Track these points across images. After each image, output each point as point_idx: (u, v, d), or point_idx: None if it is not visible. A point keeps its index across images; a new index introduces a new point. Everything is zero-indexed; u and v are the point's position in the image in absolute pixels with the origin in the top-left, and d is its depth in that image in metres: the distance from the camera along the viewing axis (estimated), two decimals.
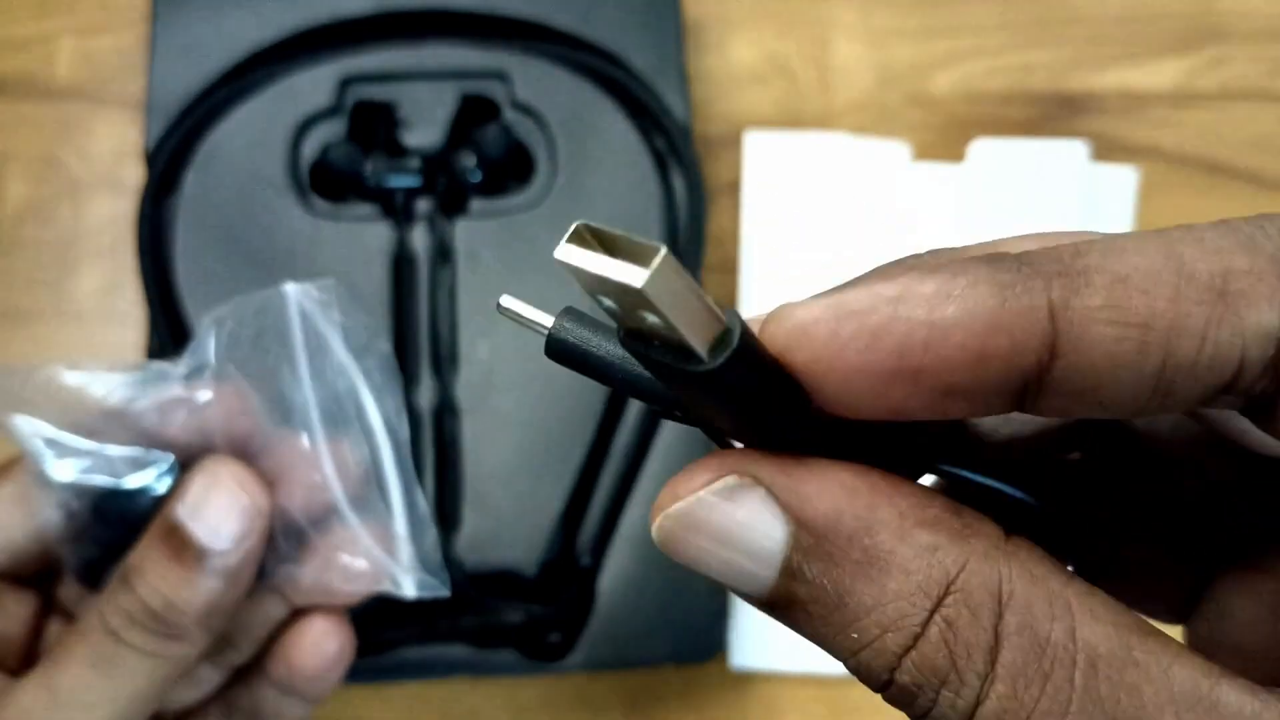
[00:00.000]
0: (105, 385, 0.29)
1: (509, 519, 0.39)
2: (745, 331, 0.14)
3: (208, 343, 0.30)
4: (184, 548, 0.28)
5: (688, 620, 0.38)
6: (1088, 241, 0.14)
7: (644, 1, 0.43)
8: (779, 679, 0.42)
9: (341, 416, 0.30)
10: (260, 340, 0.30)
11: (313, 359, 0.30)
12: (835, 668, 0.46)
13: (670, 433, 0.40)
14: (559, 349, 0.17)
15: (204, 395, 0.30)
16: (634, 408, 0.40)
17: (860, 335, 0.14)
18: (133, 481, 0.29)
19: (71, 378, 0.30)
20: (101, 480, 0.29)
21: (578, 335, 0.17)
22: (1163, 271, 0.13)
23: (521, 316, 0.18)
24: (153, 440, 0.29)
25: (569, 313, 0.17)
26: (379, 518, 0.30)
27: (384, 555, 0.30)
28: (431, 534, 0.31)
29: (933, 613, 0.14)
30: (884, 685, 0.15)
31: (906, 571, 0.14)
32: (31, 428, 0.29)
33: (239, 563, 0.28)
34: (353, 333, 0.30)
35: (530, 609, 0.39)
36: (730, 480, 0.15)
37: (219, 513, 0.28)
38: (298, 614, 0.31)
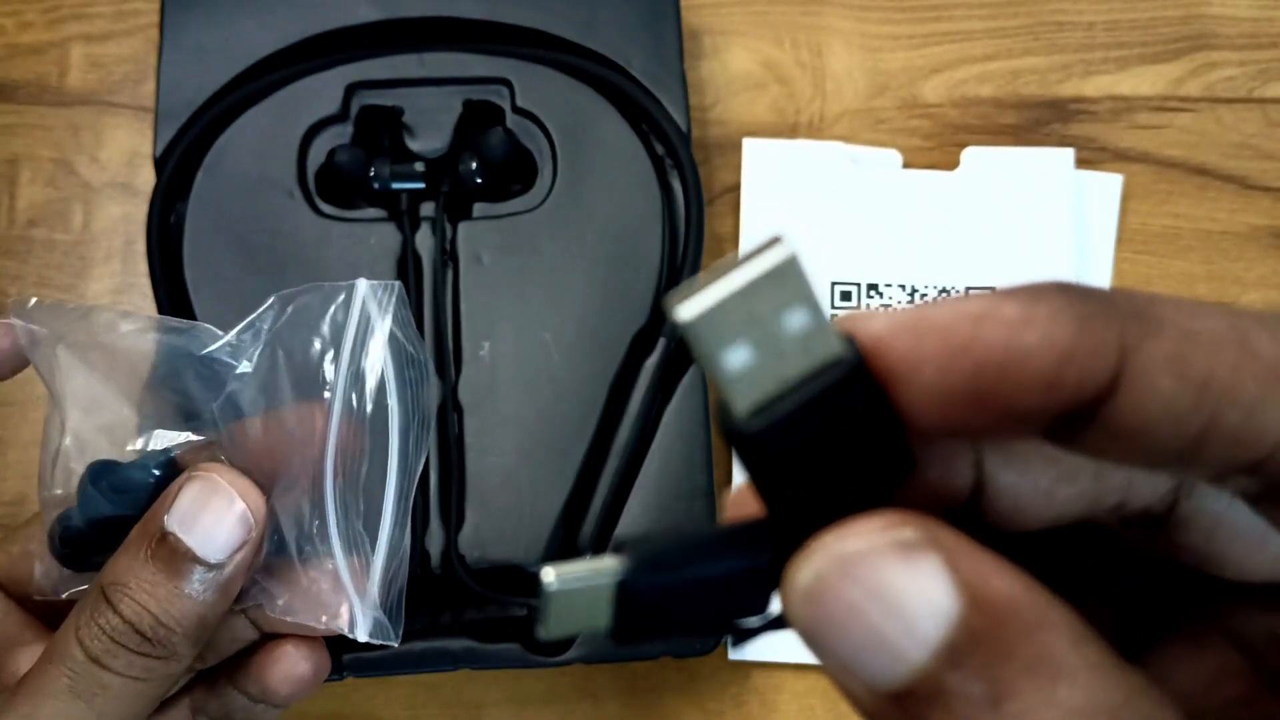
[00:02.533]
0: (150, 337, 0.29)
1: (511, 515, 0.39)
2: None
3: (266, 317, 0.29)
4: (174, 559, 0.26)
5: None
6: (1159, 295, 0.14)
7: (644, 11, 0.44)
8: (776, 669, 0.43)
9: (364, 429, 0.30)
10: (313, 327, 0.29)
11: (354, 360, 0.29)
12: None
13: (670, 433, 0.40)
14: (640, 592, 0.15)
15: (244, 367, 0.29)
16: (634, 407, 0.40)
17: (941, 352, 0.14)
18: (130, 454, 0.29)
19: (124, 324, 0.29)
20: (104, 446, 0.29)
21: (656, 563, 0.16)
22: (1227, 340, 0.14)
23: (577, 585, 0.15)
24: (185, 401, 0.29)
25: (625, 549, 0.16)
26: (361, 549, 0.29)
27: (354, 592, 0.29)
28: (403, 576, 0.30)
29: None
30: None
31: (1075, 683, 0.13)
32: (68, 370, 0.28)
33: (232, 573, 0.27)
34: (401, 347, 0.30)
35: (533, 603, 0.39)
36: (908, 534, 0.14)
37: (215, 521, 0.27)
38: (270, 637, 0.30)
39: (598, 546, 0.40)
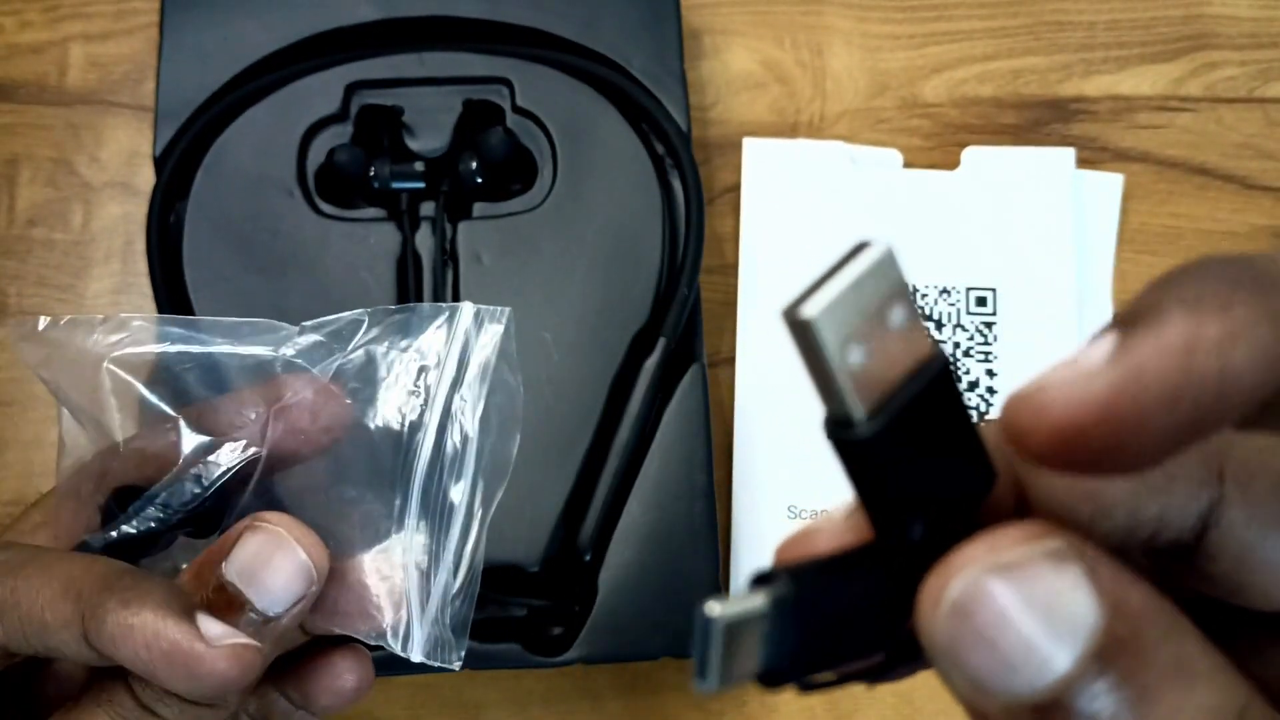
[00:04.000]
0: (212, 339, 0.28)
1: (511, 515, 0.39)
2: None
3: (354, 327, 0.29)
4: (230, 610, 0.26)
5: (688, 615, 0.38)
6: None
7: (644, 11, 0.44)
8: None
9: (450, 452, 0.29)
10: (413, 343, 0.29)
11: (456, 381, 0.29)
12: None
13: (670, 433, 0.40)
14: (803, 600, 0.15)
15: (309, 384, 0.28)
16: (634, 407, 0.40)
17: (1165, 395, 0.13)
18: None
19: (166, 329, 0.28)
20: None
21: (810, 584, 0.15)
22: None
23: (739, 614, 0.14)
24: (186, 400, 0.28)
25: (768, 581, 0.15)
26: (431, 563, 0.29)
27: (417, 605, 0.28)
28: (470, 596, 0.29)
29: None
30: None
31: (1210, 685, 0.13)
32: (116, 381, 0.28)
33: (288, 624, 0.26)
34: (497, 375, 0.29)
35: (533, 603, 0.40)
36: (1057, 544, 0.14)
37: (276, 574, 0.26)
38: (317, 641, 0.30)
39: (598, 546, 0.40)
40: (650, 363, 0.41)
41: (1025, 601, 0.13)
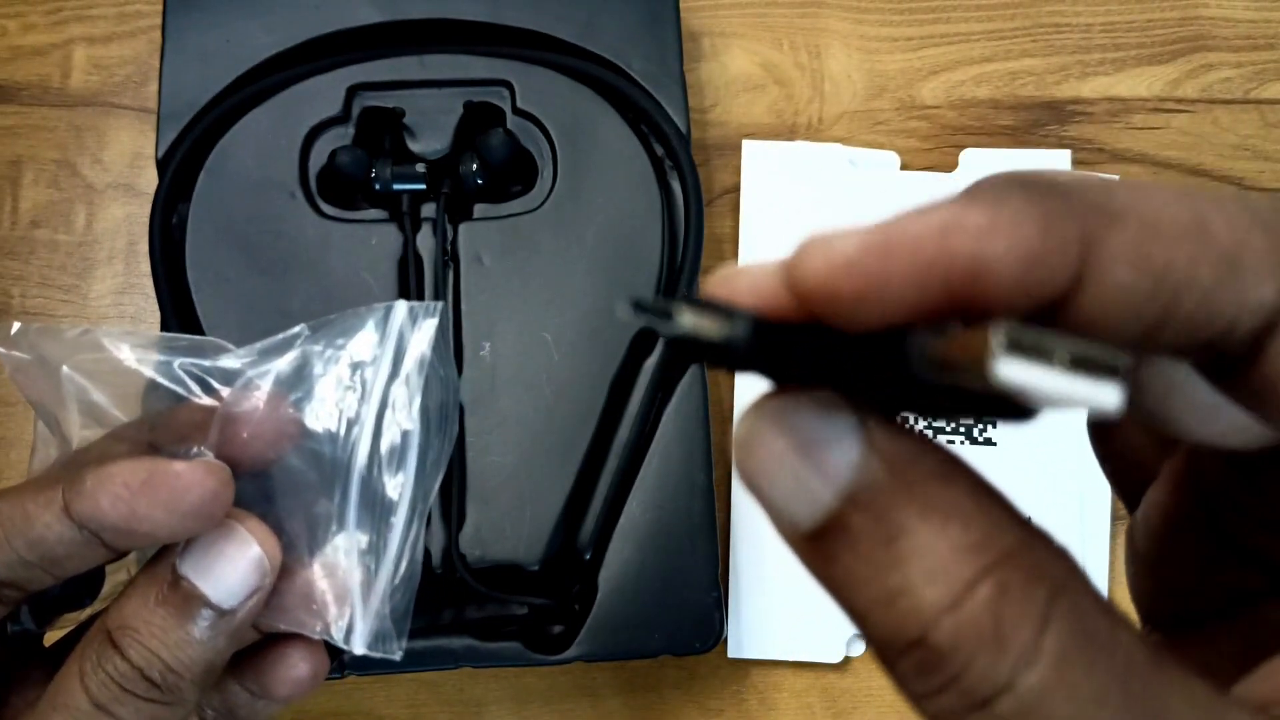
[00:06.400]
0: (152, 354, 0.29)
1: (512, 514, 0.40)
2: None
3: (294, 340, 0.29)
4: (186, 604, 0.26)
5: (687, 613, 0.39)
6: (1120, 182, 0.15)
7: (644, 13, 0.44)
8: (775, 667, 0.43)
9: (388, 447, 0.29)
10: (348, 344, 0.29)
11: (390, 379, 0.29)
12: (831, 656, 0.47)
13: (670, 433, 0.41)
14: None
15: (269, 378, 0.29)
16: (634, 407, 0.41)
17: (911, 268, 0.14)
18: None
19: (126, 342, 0.29)
20: None
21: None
22: (1187, 228, 0.14)
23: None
24: (182, 414, 0.28)
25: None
26: (373, 560, 0.29)
27: (360, 600, 0.29)
28: (411, 590, 0.30)
29: (987, 571, 0.14)
30: (909, 646, 0.14)
31: (967, 525, 0.14)
32: (74, 386, 0.28)
33: (243, 619, 0.26)
34: (432, 366, 0.30)
35: (533, 602, 0.40)
36: (827, 396, 0.15)
37: (230, 566, 0.26)
38: (272, 635, 0.30)
39: (598, 546, 0.40)
40: (650, 363, 0.41)
41: (793, 444, 0.15)
